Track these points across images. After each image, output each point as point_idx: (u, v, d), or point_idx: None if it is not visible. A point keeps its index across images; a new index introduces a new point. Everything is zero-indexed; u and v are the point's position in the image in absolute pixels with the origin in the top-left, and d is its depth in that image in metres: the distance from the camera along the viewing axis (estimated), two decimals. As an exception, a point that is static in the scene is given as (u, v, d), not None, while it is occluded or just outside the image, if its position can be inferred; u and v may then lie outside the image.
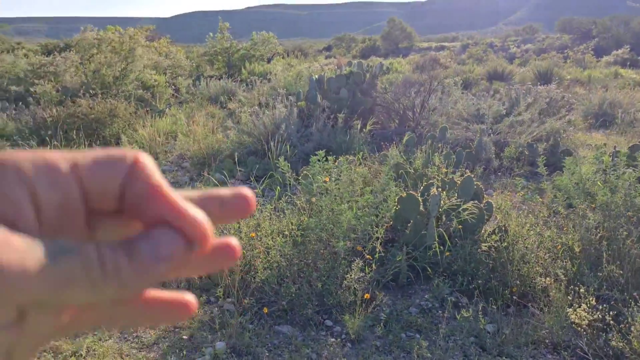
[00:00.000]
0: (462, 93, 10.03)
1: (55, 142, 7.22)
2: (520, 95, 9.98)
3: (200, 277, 4.03)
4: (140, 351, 3.22)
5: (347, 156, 6.17)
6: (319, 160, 4.34)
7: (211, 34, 17.84)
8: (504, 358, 3.21)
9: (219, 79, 13.72)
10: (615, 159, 5.15)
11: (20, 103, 9.77)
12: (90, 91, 9.17)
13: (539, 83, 14.37)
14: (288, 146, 6.91)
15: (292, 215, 4.27)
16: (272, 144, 6.91)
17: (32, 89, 9.98)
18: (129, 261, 0.29)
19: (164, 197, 0.31)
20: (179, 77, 13.95)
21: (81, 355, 3.10)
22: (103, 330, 3.10)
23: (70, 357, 3.09)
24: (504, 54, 30.61)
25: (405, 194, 4.39)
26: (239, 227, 4.32)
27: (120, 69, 10.27)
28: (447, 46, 40.08)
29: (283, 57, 19.10)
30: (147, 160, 0.32)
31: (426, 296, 3.92)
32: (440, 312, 3.75)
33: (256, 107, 8.27)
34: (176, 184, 6.42)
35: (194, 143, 7.54)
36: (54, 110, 8.22)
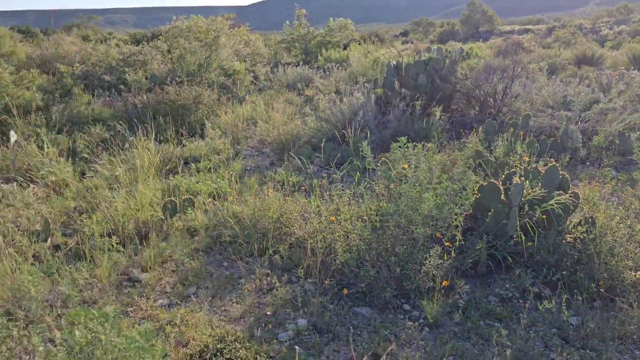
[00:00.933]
0: (548, 79, 9.60)
1: (146, 126, 7.69)
2: (612, 81, 9.42)
3: (282, 258, 4.23)
4: (228, 324, 3.44)
5: (426, 143, 6.15)
6: (399, 147, 4.38)
7: (288, 22, 18.11)
8: (587, 351, 3.13)
9: (296, 66, 13.95)
10: None
11: (113, 90, 10.48)
12: (177, 79, 9.66)
13: (633, 68, 13.44)
14: (368, 133, 6.97)
15: (370, 201, 4.35)
16: (349, 131, 7.00)
17: (123, 77, 10.64)
18: None
19: None
20: (258, 65, 14.31)
21: (175, 324, 3.36)
22: (194, 302, 3.34)
23: (167, 325, 3.36)
24: (595, 36, 28.73)
25: (485, 183, 4.34)
26: (319, 210, 4.47)
27: (204, 57, 10.72)
28: (531, 29, 38.20)
29: (359, 44, 19.02)
30: None
31: (506, 286, 3.88)
32: (520, 302, 3.71)
33: (333, 95, 8.37)
34: (258, 169, 6.68)
35: (273, 129, 7.78)
36: (144, 97, 8.76)
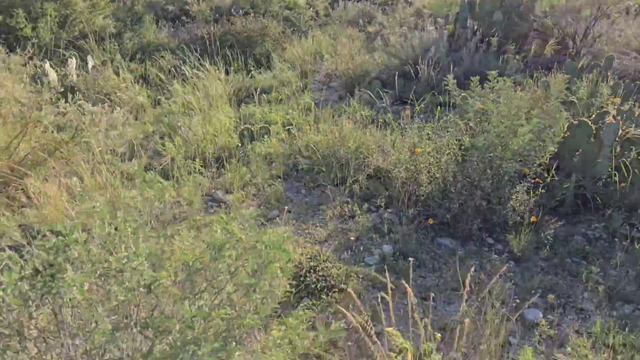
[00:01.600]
0: (633, 19, 8.95)
1: (214, 57, 7.69)
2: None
3: (361, 188, 4.24)
4: (314, 245, 3.53)
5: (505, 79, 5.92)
6: (487, 80, 4.23)
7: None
8: (686, 294, 3.07)
9: (357, 1, 13.50)
10: None
11: (177, 21, 10.47)
12: (240, 10, 9.53)
13: None
14: (450, 65, 6.72)
15: (452, 135, 4.26)
16: (421, 67, 6.79)
17: (186, 8, 10.58)
18: None
19: None
20: (316, 1, 13.92)
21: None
22: (279, 223, 3.42)
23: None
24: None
25: (576, 121, 4.17)
26: (394, 144, 4.44)
27: (267, -12, 10.51)
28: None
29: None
30: None
31: (594, 226, 3.79)
32: (607, 243, 3.63)
33: (404, 29, 8.10)
34: (326, 102, 6.63)
35: (340, 63, 7.64)
36: (211, 28, 8.72)
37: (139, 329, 1.64)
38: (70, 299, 1.51)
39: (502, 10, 7.98)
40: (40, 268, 1.56)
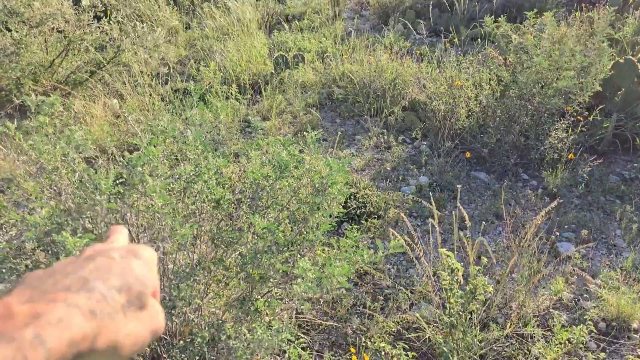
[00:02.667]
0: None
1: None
2: None
3: (396, 119, 4.26)
4: (351, 172, 3.61)
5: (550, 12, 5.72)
6: (529, 17, 4.11)
7: None
8: None
9: None
10: None
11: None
12: None
13: None
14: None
15: (491, 71, 4.21)
16: (458, -2, 6.58)
17: None
18: None
19: None
20: None
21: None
22: (317, 150, 3.46)
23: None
24: None
25: (622, 59, 4.07)
26: (435, 75, 4.39)
27: None
28: None
29: None
30: None
31: (630, 166, 3.81)
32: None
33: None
34: (359, 31, 6.50)
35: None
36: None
37: (209, 237, 1.76)
38: (151, 205, 1.62)
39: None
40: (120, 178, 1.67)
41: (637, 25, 5.56)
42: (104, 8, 5.47)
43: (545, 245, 2.94)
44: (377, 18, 6.99)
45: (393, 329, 2.38)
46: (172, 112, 4.15)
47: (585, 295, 2.70)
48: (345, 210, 2.78)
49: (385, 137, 4.05)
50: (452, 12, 6.67)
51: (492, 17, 4.57)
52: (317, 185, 1.83)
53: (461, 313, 2.08)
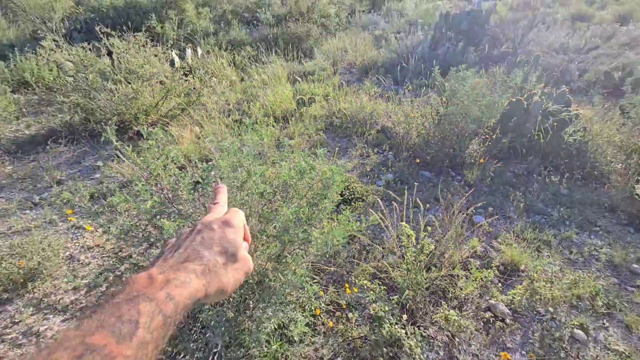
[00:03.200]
0: (552, 30, 8.29)
1: (276, 49, 7.44)
2: (598, 33, 8.04)
3: (373, 138, 4.22)
4: (345, 173, 3.59)
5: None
6: (457, 71, 4.05)
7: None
8: (573, 209, 3.09)
9: (367, 13, 12.67)
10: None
11: (249, 24, 10.01)
12: (293, 17, 9.05)
13: (617, 24, 11.27)
14: (437, 61, 6.39)
15: (433, 105, 4.16)
16: (411, 60, 6.50)
17: (256, 15, 10.07)
18: None
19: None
20: (343, 10, 13.09)
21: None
22: (323, 157, 3.39)
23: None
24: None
25: (515, 99, 4.02)
26: (402, 110, 4.34)
27: (311, 3, 9.89)
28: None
29: (410, -2, 16.75)
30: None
31: (520, 166, 3.77)
32: (527, 178, 3.62)
33: (400, 34, 7.65)
34: (350, 82, 6.44)
35: (358, 56, 7.33)
36: (272, 29, 8.34)
37: (256, 216, 1.76)
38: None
39: (467, 21, 7.44)
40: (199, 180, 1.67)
41: (523, 76, 5.47)
42: (189, 68, 5.46)
43: (466, 218, 2.93)
44: (361, 73, 6.91)
45: (371, 272, 2.39)
46: (234, 135, 4.15)
47: (490, 249, 2.69)
48: (341, 197, 2.77)
49: (366, 149, 4.02)
50: (409, 70, 6.59)
51: (438, 68, 4.52)
52: (324, 182, 1.83)
53: (414, 261, 2.08)
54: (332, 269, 2.43)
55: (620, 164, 3.41)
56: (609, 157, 3.49)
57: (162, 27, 7.11)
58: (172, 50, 5.80)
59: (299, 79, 6.42)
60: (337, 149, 4.12)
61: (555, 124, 3.73)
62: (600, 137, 3.59)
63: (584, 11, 15.99)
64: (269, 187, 1.92)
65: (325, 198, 1.84)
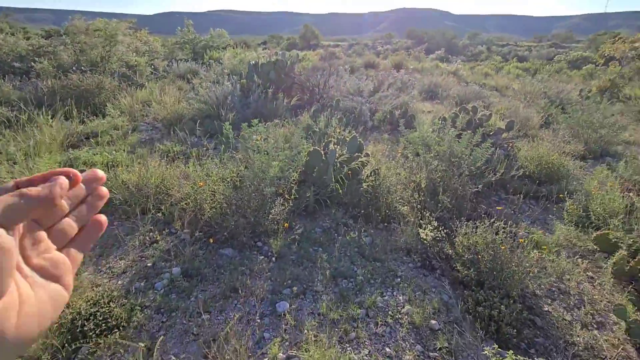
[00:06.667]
0: (349, 76, 9.32)
1: (53, 107, 5.72)
2: (383, 79, 9.49)
3: (164, 214, 3.29)
4: (110, 280, 2.50)
5: (275, 120, 5.40)
6: (250, 126, 3.59)
7: (180, 28, 15.22)
8: (376, 263, 2.88)
9: (187, 62, 11.87)
10: (443, 122, 4.86)
11: (24, 76, 7.73)
12: (82, 68, 7.38)
13: (394, 70, 13.92)
14: (232, 114, 5.92)
15: (232, 165, 3.56)
16: (222, 110, 5.93)
17: (33, 64, 7.90)
18: None
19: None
20: (156, 59, 11.86)
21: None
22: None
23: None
24: (374, 51, 29.65)
25: (312, 149, 3.81)
26: (194, 181, 3.56)
27: (105, 51, 8.34)
28: (340, 44, 38.25)
29: (234, 48, 16.93)
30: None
31: (326, 220, 3.48)
32: (334, 231, 3.34)
33: (210, 83, 7.07)
34: (151, 140, 5.35)
35: (164, 109, 6.32)
36: (50, 82, 6.51)
37: None
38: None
39: (274, 70, 7.48)
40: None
41: (326, 121, 5.59)
42: None
43: (269, 307, 2.29)
44: (166, 128, 5.90)
45: None
46: None
47: (294, 357, 2.09)
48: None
49: (152, 233, 3.03)
50: (220, 120, 5.98)
51: (229, 124, 3.96)
52: None
53: None
54: None
55: (406, 205, 3.50)
56: (398, 196, 3.56)
57: None
58: None
59: (81, 143, 4.94)
60: (110, 240, 2.98)
61: (349, 172, 3.63)
62: (388, 177, 3.65)
63: (373, 60, 19.49)
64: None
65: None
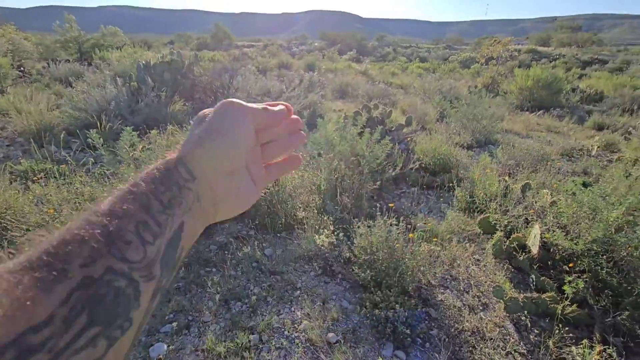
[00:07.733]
0: (258, 77, 9.00)
1: None
2: (293, 79, 9.40)
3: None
4: None
5: (169, 127, 4.83)
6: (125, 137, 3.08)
7: (57, 22, 13.03)
8: (275, 276, 2.68)
9: (68, 62, 10.21)
10: (345, 120, 4.90)
11: None
12: None
13: (308, 71, 14.02)
14: (116, 122, 5.14)
15: (98, 184, 3.00)
16: (103, 118, 5.12)
17: None
18: None
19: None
20: (27, 60, 9.95)
21: None
22: None
23: None
24: (289, 52, 29.70)
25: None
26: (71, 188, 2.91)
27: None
28: (255, 45, 37.49)
29: (131, 47, 15.19)
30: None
31: (223, 234, 3.16)
32: (233, 246, 3.05)
33: (88, 87, 6.10)
34: (8, 158, 4.34)
35: (28, 120, 5.22)
36: None
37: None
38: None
39: (169, 71, 6.78)
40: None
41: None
42: None
43: (141, 354, 1.90)
44: (32, 143, 4.87)
45: None
46: None
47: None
48: None
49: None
50: (103, 129, 5.16)
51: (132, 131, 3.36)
52: None
53: None
54: None
55: (306, 209, 3.38)
56: (299, 201, 3.41)
57: None
58: None
59: None
60: None
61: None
62: (290, 181, 3.47)
63: (287, 60, 19.41)
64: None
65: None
